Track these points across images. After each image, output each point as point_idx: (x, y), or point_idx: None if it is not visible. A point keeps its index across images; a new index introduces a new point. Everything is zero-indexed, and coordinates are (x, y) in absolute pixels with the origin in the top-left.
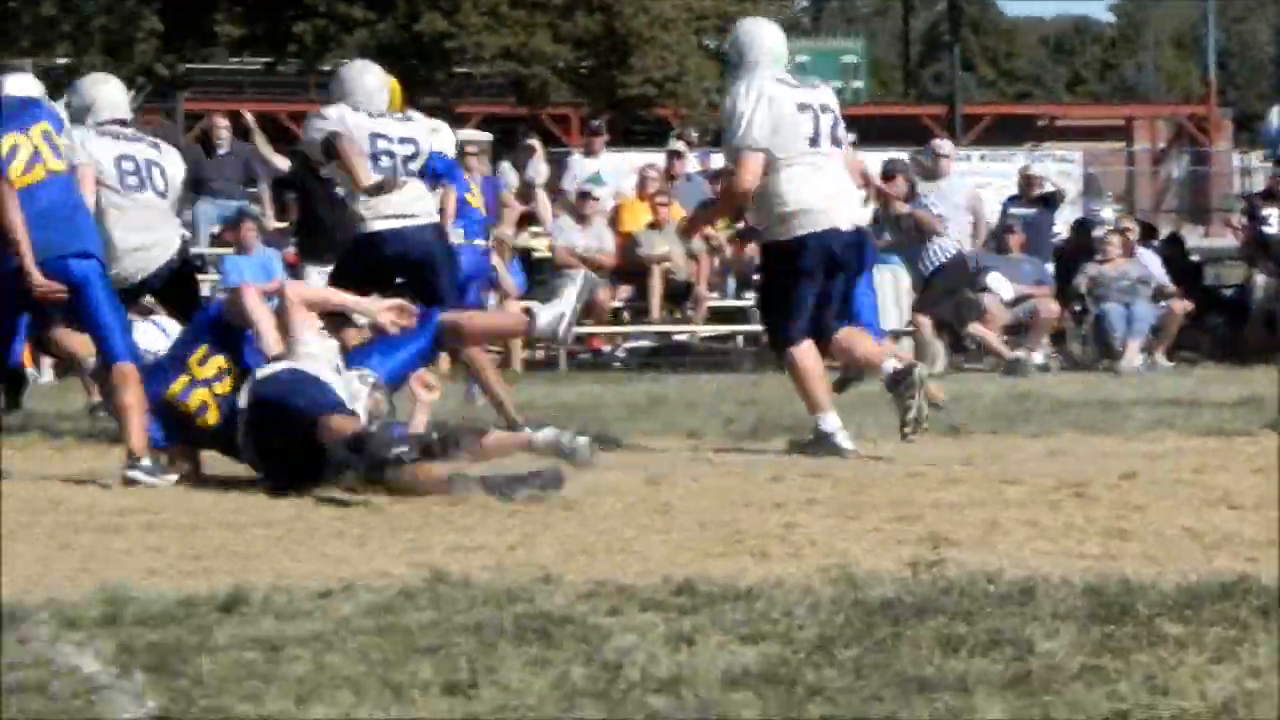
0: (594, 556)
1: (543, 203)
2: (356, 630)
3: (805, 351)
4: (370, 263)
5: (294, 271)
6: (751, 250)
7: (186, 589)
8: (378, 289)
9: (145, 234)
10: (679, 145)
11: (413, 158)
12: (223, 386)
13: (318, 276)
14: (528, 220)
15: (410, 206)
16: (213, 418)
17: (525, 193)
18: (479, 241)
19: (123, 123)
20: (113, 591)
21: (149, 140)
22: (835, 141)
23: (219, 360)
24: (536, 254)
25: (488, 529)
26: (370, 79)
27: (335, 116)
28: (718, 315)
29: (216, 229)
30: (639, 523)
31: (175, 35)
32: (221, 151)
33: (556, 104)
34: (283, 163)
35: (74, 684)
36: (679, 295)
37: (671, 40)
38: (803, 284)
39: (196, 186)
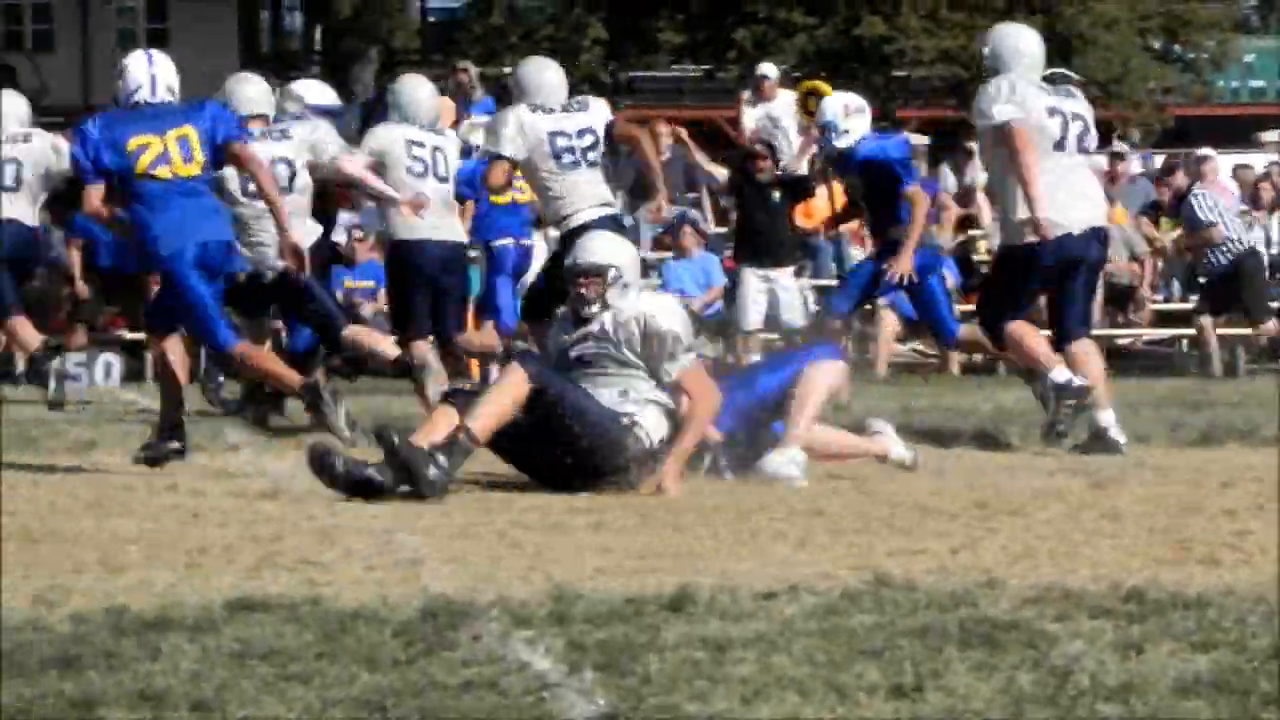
0: (1039, 561)
1: (982, 206)
2: (800, 632)
3: (1017, 324)
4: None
5: (732, 276)
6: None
7: (633, 588)
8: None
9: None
10: (1121, 147)
11: (592, 147)
12: None
13: (755, 280)
14: (967, 223)
15: (600, 198)
16: None
17: (964, 195)
18: (525, 241)
19: (265, 119)
20: (562, 589)
21: (277, 132)
22: (1082, 149)
23: None
24: (976, 257)
25: (929, 532)
26: (550, 75)
27: (513, 122)
28: (1162, 318)
29: (657, 234)
30: (1085, 528)
31: (619, 43)
32: (662, 157)
33: None
34: (720, 172)
35: (525, 681)
36: (1121, 298)
37: (1114, 41)
38: (1025, 291)
39: (639, 192)
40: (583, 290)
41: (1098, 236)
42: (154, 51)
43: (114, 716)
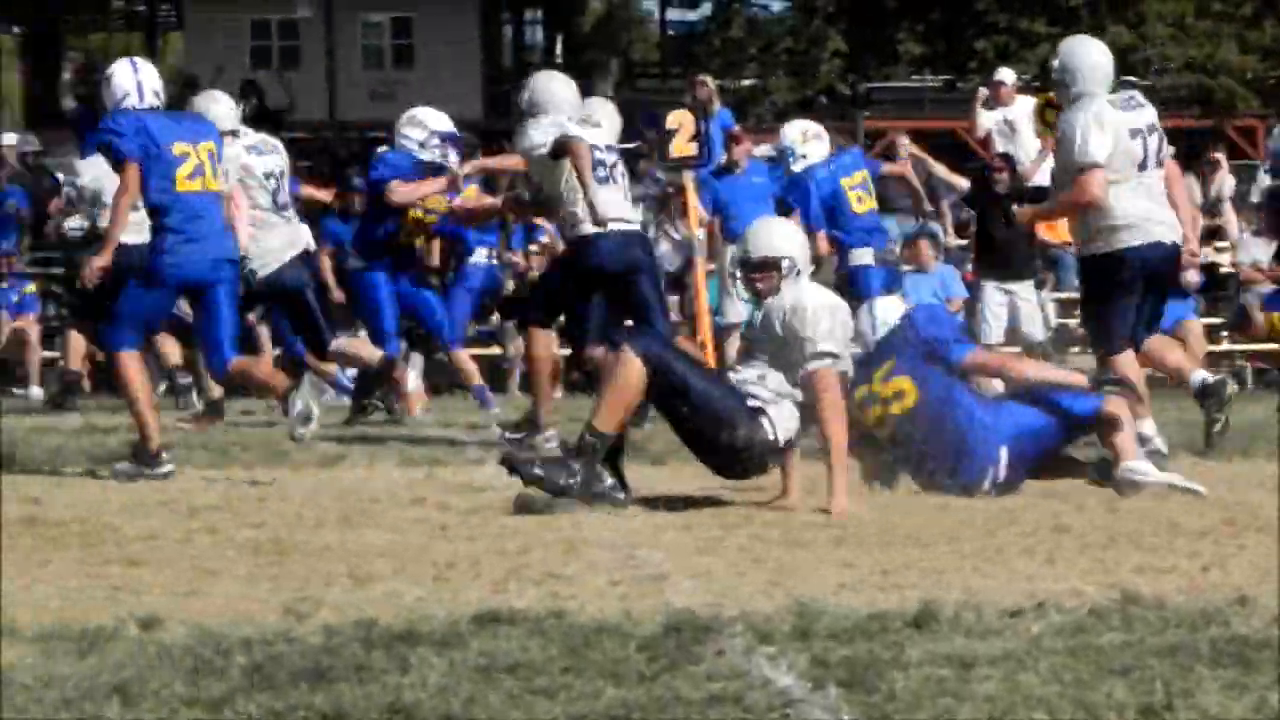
0: None
1: (1228, 217)
2: (1047, 650)
3: (1127, 361)
4: (585, 265)
5: (972, 288)
6: None
7: (877, 604)
8: (587, 293)
9: (279, 239)
10: None
11: (616, 164)
12: (900, 406)
13: (995, 293)
14: (1213, 234)
15: (624, 211)
16: (885, 435)
17: (1210, 206)
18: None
19: (233, 135)
20: (805, 605)
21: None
22: (1159, 163)
23: (901, 383)
24: (1222, 269)
25: (1178, 550)
26: (570, 90)
27: (553, 124)
28: None
29: (897, 247)
30: None
31: (858, 55)
32: (902, 166)
33: (1241, 115)
34: (962, 183)
35: (769, 696)
36: None
37: None
38: (1122, 297)
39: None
40: (759, 285)
41: (1177, 251)
42: (138, 59)
43: None
